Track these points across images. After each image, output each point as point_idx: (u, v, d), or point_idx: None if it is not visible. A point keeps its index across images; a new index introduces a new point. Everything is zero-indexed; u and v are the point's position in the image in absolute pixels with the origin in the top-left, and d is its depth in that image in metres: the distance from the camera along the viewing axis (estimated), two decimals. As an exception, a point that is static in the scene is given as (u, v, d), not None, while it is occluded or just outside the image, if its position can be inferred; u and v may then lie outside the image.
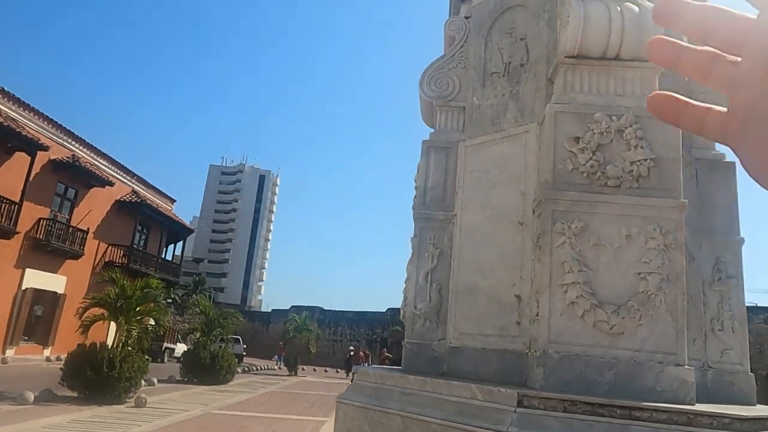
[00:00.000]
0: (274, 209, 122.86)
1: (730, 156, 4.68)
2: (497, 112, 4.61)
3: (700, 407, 3.21)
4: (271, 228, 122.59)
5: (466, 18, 5.09)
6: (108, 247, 30.66)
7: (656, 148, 3.71)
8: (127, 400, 13.53)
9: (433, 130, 5.01)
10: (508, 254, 4.16)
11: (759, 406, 4.08)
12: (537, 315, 3.63)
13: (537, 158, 4.11)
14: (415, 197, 4.87)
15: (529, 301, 3.93)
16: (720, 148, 4.78)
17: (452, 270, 4.45)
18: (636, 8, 3.87)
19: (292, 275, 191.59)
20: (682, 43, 0.50)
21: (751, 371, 4.27)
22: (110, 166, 31.28)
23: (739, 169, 4.65)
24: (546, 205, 3.69)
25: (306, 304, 47.14)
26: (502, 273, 4.16)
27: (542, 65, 4.39)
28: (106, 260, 29.67)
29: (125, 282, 15.55)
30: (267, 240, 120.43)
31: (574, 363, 3.45)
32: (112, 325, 15.93)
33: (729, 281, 4.37)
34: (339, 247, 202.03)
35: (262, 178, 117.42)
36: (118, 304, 14.89)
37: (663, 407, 3.08)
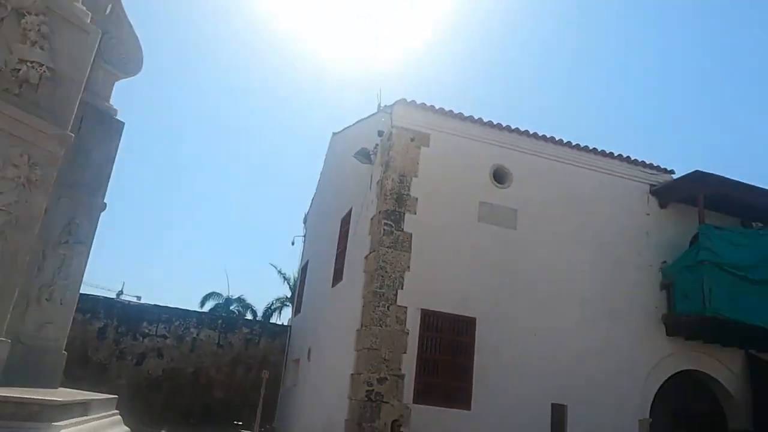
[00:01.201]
0: None
1: (121, 115, 4.27)
2: None
3: (4, 391, 2.43)
4: None
5: None
6: None
7: (60, 60, 2.85)
8: None
9: None
10: None
11: (63, 390, 3.60)
12: None
13: None
14: None
15: None
16: (114, 102, 4.31)
17: None
18: None
19: None
20: None
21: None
22: None
23: (124, 133, 4.29)
24: None
25: None
26: None
27: None
28: None
29: None
30: None
31: None
32: None
33: (77, 246, 3.80)
34: None
35: None
36: None
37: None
